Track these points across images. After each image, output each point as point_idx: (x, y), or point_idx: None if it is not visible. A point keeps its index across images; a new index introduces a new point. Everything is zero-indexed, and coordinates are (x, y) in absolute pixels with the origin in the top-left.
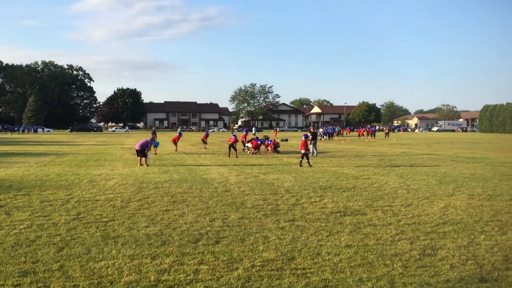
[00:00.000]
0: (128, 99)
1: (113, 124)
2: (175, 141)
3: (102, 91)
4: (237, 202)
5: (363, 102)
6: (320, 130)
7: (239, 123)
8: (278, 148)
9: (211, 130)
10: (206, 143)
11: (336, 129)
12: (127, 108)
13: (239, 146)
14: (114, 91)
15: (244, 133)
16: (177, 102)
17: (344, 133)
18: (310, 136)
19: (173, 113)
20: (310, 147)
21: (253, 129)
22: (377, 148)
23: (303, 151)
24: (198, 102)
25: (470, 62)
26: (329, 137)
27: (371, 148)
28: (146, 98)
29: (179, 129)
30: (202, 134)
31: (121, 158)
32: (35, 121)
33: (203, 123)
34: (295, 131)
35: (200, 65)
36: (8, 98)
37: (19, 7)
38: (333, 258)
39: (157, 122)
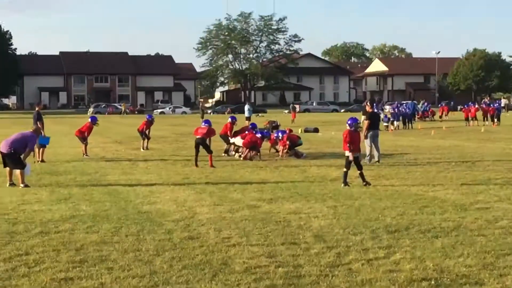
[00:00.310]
0: None
1: None
2: (83, 135)
3: None
4: (213, 262)
5: (474, 50)
6: (387, 109)
7: (216, 95)
8: (298, 148)
9: (158, 111)
10: (149, 139)
11: (420, 106)
12: None
13: (217, 144)
14: None
15: (229, 121)
16: (87, 54)
17: (437, 115)
18: (365, 123)
19: (78, 77)
20: (366, 145)
21: (247, 107)
22: (505, 145)
23: (348, 154)
24: (131, 54)
25: None
26: (404, 124)
27: (493, 144)
28: (22, 45)
29: (90, 110)
30: (141, 121)
31: None
32: None
33: (141, 97)
34: (333, 110)
35: None
36: None
37: None
38: None
39: (45, 96)
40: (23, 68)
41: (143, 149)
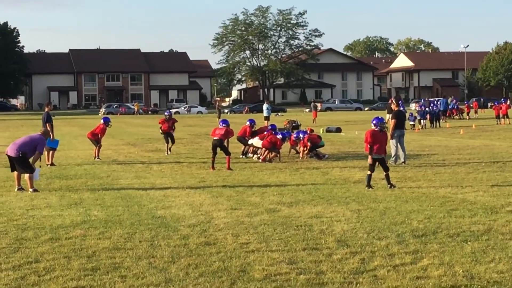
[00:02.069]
0: None
1: None
2: (96, 138)
3: None
4: (232, 269)
5: (505, 44)
6: (412, 107)
7: (233, 94)
8: (319, 150)
9: (173, 110)
10: (173, 142)
11: (449, 103)
12: None
13: (234, 145)
14: None
15: (248, 124)
16: (98, 52)
17: (465, 113)
18: (391, 122)
19: (88, 75)
20: (392, 145)
21: (265, 106)
22: None
23: (369, 156)
24: (144, 51)
25: None
26: (431, 122)
27: None
28: (30, 43)
29: (102, 110)
30: (159, 119)
31: None
32: None
33: (155, 96)
34: (356, 109)
35: None
36: None
37: None
38: None
39: (54, 96)
40: (32, 66)
41: (168, 153)
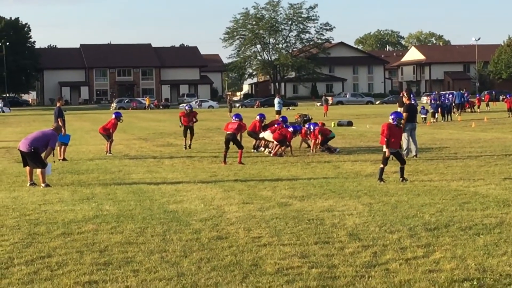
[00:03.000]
0: (4, 39)
1: None
2: (108, 133)
3: None
4: (244, 263)
5: None
6: (424, 100)
7: (244, 88)
8: (330, 142)
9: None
10: (191, 135)
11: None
12: (2, 60)
13: (245, 139)
14: None
15: (258, 119)
16: (109, 46)
17: (476, 105)
18: (403, 117)
19: (99, 70)
20: (403, 138)
21: (277, 101)
22: None
23: (386, 150)
24: (154, 45)
25: None
26: (443, 116)
27: None
28: (41, 39)
29: (113, 105)
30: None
31: None
32: None
33: (166, 91)
34: (367, 102)
35: None
36: None
37: None
38: None
39: (66, 91)
40: (43, 62)
41: (186, 148)
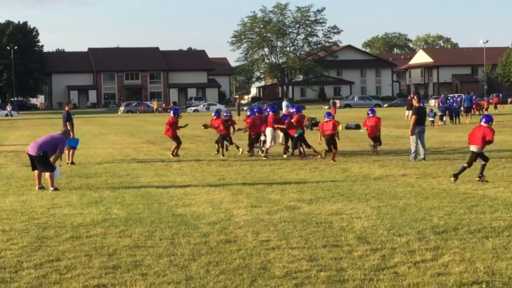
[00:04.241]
0: (12, 43)
1: None
2: (174, 134)
3: None
4: (252, 266)
5: None
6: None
7: (252, 91)
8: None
9: (192, 108)
10: (230, 143)
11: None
12: (10, 64)
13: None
14: None
15: (270, 112)
16: (116, 50)
17: (484, 108)
18: (412, 118)
19: (107, 74)
20: (412, 141)
21: (285, 104)
22: None
23: (476, 149)
24: (162, 49)
25: None
26: (451, 118)
27: None
28: (49, 43)
29: (121, 109)
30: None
31: None
32: None
33: (173, 94)
34: (375, 105)
35: None
36: None
37: None
38: None
39: (74, 95)
40: (51, 66)
41: (223, 154)
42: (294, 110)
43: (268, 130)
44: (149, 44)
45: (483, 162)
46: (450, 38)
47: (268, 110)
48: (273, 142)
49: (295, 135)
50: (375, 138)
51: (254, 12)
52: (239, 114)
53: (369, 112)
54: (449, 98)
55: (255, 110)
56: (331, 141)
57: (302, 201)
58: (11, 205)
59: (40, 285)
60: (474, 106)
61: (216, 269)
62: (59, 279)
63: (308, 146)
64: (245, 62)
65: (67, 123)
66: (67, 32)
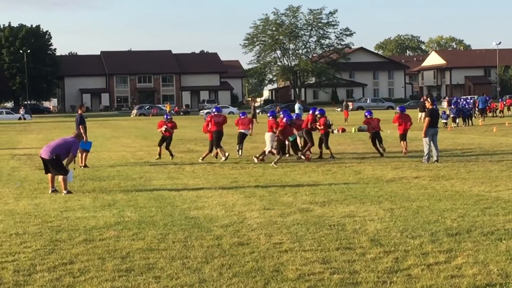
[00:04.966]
0: (25, 46)
1: None
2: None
3: None
4: (265, 269)
5: None
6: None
7: (265, 94)
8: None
9: (204, 111)
10: (241, 146)
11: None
12: (23, 67)
13: (262, 144)
14: None
15: (270, 117)
16: (129, 53)
17: (498, 110)
18: (425, 120)
19: (120, 77)
20: (424, 143)
21: (297, 106)
22: None
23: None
24: (175, 52)
25: None
26: (464, 120)
27: None
28: (62, 46)
29: (134, 112)
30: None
31: (12, 179)
32: None
33: (186, 97)
34: (388, 108)
35: None
36: None
37: None
38: None
39: (87, 98)
40: (64, 69)
41: (223, 157)
42: (318, 112)
43: (268, 135)
44: (162, 47)
45: None
46: (462, 40)
47: (269, 115)
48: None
49: (290, 140)
50: (405, 136)
51: (267, 14)
52: (254, 117)
53: (399, 109)
54: (459, 99)
55: (289, 113)
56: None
57: (315, 203)
58: (25, 208)
59: None
60: (487, 108)
61: (229, 272)
62: (72, 282)
63: (296, 152)
64: (257, 65)
65: (80, 126)
66: (80, 35)
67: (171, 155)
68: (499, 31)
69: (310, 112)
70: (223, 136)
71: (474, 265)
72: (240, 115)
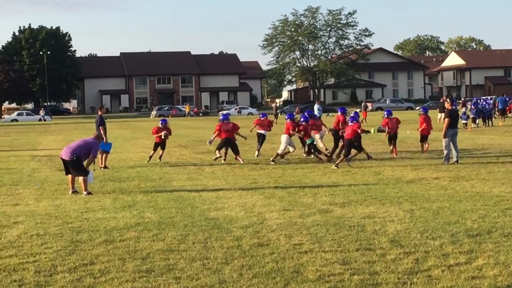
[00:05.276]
0: (45, 48)
1: (14, 106)
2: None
3: None
4: (285, 270)
5: None
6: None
7: (284, 95)
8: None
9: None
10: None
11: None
12: (43, 68)
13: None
14: (14, 33)
15: (287, 119)
16: (148, 55)
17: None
18: (445, 121)
19: (139, 78)
20: (444, 144)
21: (317, 107)
22: None
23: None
24: (194, 53)
25: None
26: (484, 121)
27: None
28: (82, 47)
29: (153, 113)
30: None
31: (33, 180)
32: None
33: (205, 98)
34: (407, 108)
35: None
36: None
37: None
38: None
39: (106, 99)
40: (83, 70)
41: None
42: (339, 111)
43: (284, 137)
44: (181, 48)
45: None
46: (482, 40)
47: (286, 117)
48: (291, 148)
49: (307, 143)
50: (426, 136)
51: (285, 15)
52: (276, 117)
53: (423, 110)
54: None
55: (306, 115)
56: (350, 146)
57: (335, 204)
58: (45, 209)
59: None
60: (507, 108)
61: (249, 273)
62: (93, 282)
63: (319, 152)
64: (276, 66)
65: (100, 127)
66: (99, 37)
67: (159, 158)
68: None
69: (339, 112)
70: (235, 144)
71: (495, 266)
72: (261, 116)
